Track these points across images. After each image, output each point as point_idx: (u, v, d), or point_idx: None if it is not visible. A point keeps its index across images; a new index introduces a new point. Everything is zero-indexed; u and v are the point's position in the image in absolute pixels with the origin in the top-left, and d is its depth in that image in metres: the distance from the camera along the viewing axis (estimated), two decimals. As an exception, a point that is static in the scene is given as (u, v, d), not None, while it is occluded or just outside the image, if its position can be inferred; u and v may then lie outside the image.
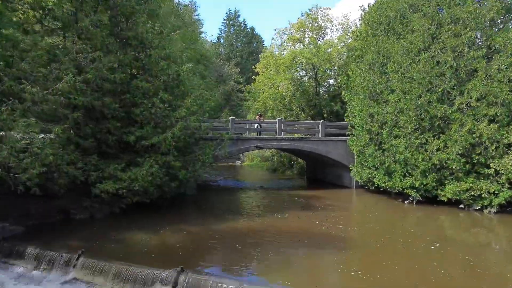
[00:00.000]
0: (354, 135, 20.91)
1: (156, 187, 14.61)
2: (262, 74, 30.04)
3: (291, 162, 32.61)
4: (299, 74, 29.53)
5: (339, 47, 27.36)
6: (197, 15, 58.48)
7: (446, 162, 16.29)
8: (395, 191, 18.32)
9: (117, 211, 14.46)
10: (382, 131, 18.63)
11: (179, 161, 15.21)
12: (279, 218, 14.28)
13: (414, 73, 17.16)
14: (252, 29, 76.51)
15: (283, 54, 29.29)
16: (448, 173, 16.51)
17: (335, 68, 28.99)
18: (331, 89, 29.91)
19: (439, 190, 16.85)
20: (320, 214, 15.12)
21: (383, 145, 18.74)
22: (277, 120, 21.44)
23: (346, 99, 22.23)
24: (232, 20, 75.28)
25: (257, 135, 21.68)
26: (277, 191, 21.36)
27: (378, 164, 18.45)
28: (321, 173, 26.73)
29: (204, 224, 13.22)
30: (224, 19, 75.69)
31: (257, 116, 23.44)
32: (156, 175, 14.18)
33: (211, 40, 70.98)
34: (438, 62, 17.02)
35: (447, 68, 16.50)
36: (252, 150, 20.58)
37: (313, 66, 27.80)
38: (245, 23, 76.73)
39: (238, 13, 75.66)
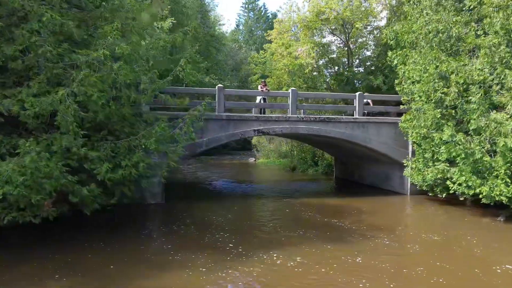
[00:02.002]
0: (412, 111, 13.27)
1: (51, 195, 7.79)
2: (276, 42, 22.72)
3: (315, 158, 25.17)
4: (325, 41, 22.02)
5: (382, -5, 19.65)
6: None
7: None
8: (487, 201, 10.60)
9: (-28, 241, 7.74)
10: (467, 100, 11.01)
11: (96, 147, 8.32)
12: (284, 268, 7.00)
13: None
14: (274, 15, 69.26)
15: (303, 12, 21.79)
16: None
17: (376, 34, 21.26)
18: (370, 61, 22.19)
19: None
20: (365, 256, 7.68)
21: (468, 124, 11.09)
22: (290, 91, 14.16)
23: (396, 61, 14.61)
24: (251, 4, 68.27)
25: (260, 113, 14.56)
26: (292, 200, 14.09)
27: (463, 155, 10.70)
28: (356, 172, 19.18)
29: (109, 278, 6.19)
30: (243, 3, 68.95)
31: (259, 86, 16.14)
32: (45, 172, 7.33)
33: (227, 27, 64.67)
34: None
35: None
36: (250, 135, 13.44)
37: (344, 25, 20.23)
38: (266, 7, 69.78)
39: (257, -3, 68.40)
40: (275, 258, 7.30)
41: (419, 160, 13.00)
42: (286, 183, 19.55)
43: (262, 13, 68.69)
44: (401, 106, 14.09)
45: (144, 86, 8.86)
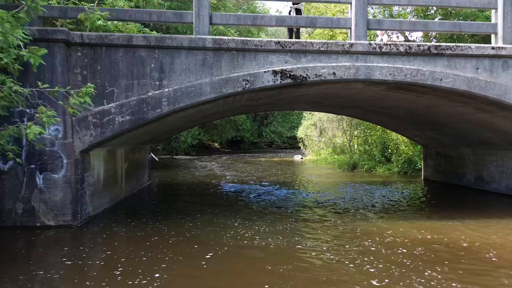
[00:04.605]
0: None
1: None
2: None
3: (385, 152, 17.30)
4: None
5: None
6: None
7: None
8: None
9: None
10: None
11: None
12: None
13: None
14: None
15: None
16: None
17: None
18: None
19: None
20: None
21: None
22: (352, -10, 6.78)
23: None
24: (301, -14, 61.11)
25: (289, 37, 7.42)
26: (345, 224, 6.70)
27: None
28: (471, 170, 11.12)
29: None
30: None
31: (287, -15, 8.61)
32: None
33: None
34: None
35: None
36: (265, 83, 6.29)
37: None
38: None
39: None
40: None
41: None
42: (341, 188, 12.05)
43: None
44: None
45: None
